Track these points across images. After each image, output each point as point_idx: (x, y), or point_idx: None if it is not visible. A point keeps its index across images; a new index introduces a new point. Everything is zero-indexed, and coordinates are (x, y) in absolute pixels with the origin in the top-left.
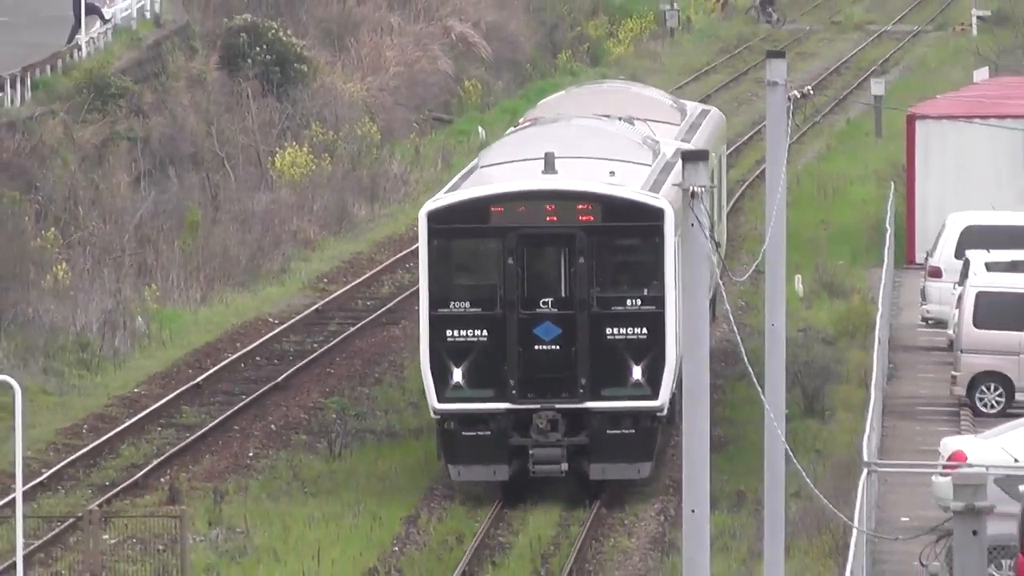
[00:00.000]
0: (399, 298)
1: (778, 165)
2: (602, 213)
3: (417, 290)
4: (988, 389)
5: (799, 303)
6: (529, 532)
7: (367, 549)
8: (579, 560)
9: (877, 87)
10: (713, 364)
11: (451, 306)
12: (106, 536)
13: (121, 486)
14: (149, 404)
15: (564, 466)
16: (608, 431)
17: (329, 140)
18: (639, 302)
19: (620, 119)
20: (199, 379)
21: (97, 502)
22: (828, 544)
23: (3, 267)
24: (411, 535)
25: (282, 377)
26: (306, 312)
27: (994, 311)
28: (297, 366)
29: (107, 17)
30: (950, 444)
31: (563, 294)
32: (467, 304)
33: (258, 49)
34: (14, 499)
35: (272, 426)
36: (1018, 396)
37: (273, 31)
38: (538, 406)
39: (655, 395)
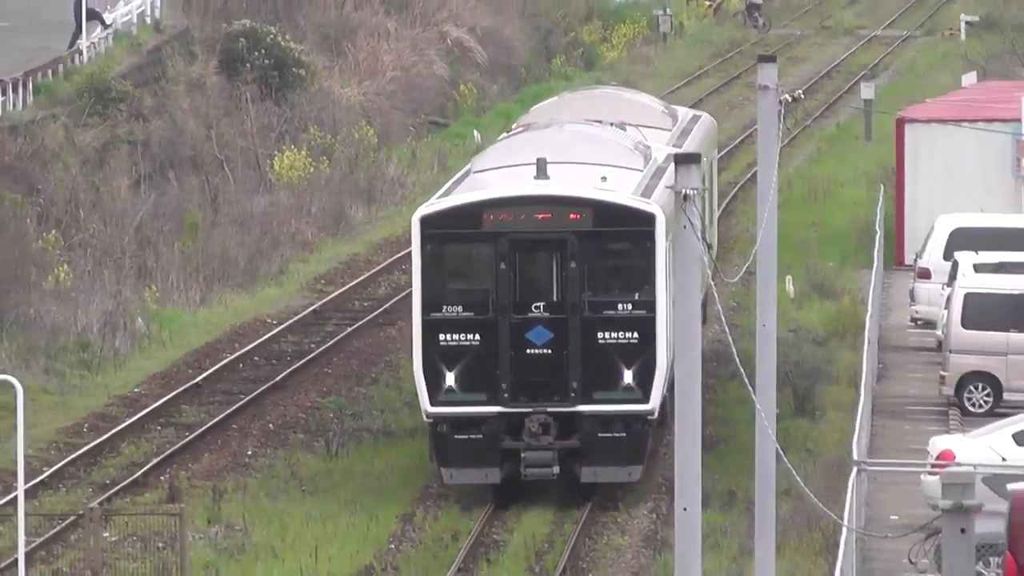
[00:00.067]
0: (395, 299)
1: (769, 168)
2: (594, 218)
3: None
4: (976, 389)
5: (790, 304)
6: (523, 530)
7: (364, 546)
8: (573, 558)
9: (867, 91)
10: (705, 364)
11: (444, 310)
12: (106, 534)
13: (121, 484)
14: (149, 403)
15: (556, 469)
16: (599, 435)
17: (327, 143)
18: (630, 306)
19: (612, 125)
20: (198, 379)
21: (98, 500)
22: (818, 542)
23: (5, 269)
24: (407, 533)
25: (280, 377)
26: (304, 313)
27: (982, 312)
28: (295, 366)
29: (108, 22)
30: (939, 443)
31: (555, 298)
32: (460, 308)
33: (257, 54)
34: (16, 497)
35: (270, 425)
36: (1006, 396)
37: (272, 36)
38: (530, 410)
39: (646, 399)
